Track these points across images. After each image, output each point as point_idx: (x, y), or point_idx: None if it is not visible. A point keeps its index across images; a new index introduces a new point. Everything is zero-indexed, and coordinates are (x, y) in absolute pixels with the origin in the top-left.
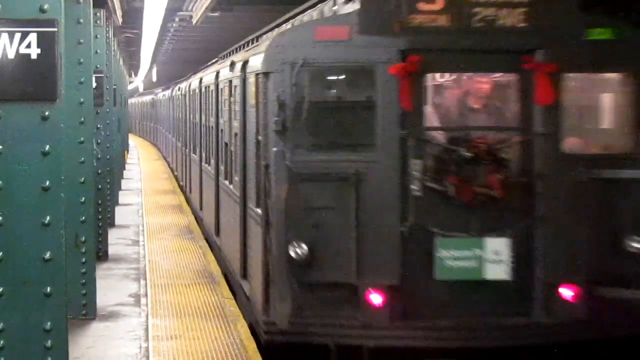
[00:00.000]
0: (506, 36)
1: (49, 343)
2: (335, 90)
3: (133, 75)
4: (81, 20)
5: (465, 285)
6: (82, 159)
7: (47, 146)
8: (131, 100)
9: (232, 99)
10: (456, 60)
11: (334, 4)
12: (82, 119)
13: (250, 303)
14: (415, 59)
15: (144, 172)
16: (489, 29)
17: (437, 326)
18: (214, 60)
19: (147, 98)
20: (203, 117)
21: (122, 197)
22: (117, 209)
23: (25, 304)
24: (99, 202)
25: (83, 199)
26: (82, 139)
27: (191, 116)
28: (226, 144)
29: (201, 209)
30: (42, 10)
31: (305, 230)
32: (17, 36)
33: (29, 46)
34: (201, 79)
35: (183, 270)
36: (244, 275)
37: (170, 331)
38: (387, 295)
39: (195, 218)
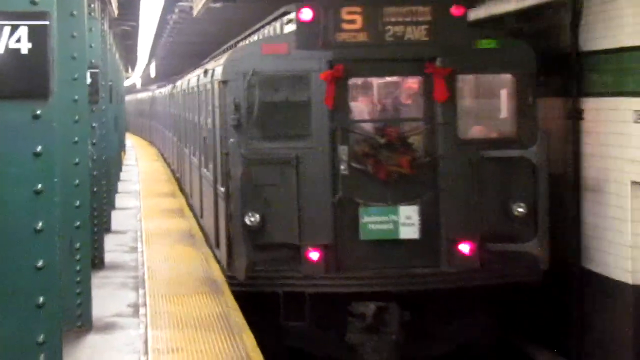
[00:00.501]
0: (412, 48)
1: (42, 357)
2: (278, 94)
3: (130, 71)
4: (74, 13)
5: (384, 244)
6: (77, 160)
7: (39, 147)
8: (128, 97)
9: (206, 100)
10: (373, 67)
11: (280, 26)
12: (76, 118)
13: (220, 265)
14: (339, 67)
15: (142, 173)
16: (399, 42)
17: (362, 276)
18: (211, 57)
19: (145, 95)
20: (190, 114)
21: (119, 201)
22: (114, 214)
23: (16, 315)
24: (95, 206)
25: (78, 202)
26: (76, 138)
27: (184, 114)
28: (204, 138)
29: (191, 196)
30: (32, 2)
31: (257, 203)
32: (7, 30)
33: (19, 40)
34: (189, 80)
35: (185, 278)
36: (217, 244)
37: (171, 343)
38: (322, 252)
39: (198, 224)
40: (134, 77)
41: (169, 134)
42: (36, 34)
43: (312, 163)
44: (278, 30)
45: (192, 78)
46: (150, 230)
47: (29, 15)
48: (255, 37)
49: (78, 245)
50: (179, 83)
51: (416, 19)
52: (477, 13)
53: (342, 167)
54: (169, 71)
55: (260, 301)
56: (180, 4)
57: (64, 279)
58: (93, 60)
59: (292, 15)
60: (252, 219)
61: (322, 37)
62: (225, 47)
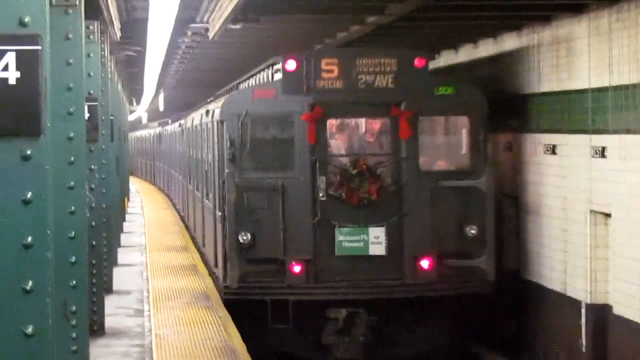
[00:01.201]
0: (380, 93)
1: None
2: (267, 132)
3: (135, 104)
4: (70, 36)
5: (356, 259)
6: (72, 208)
7: (29, 193)
8: (132, 135)
9: (207, 137)
10: (347, 109)
11: (271, 73)
12: (72, 159)
13: (218, 279)
14: (319, 109)
15: (148, 223)
16: (369, 88)
17: (337, 286)
18: (215, 95)
19: (152, 131)
20: (193, 151)
21: (122, 256)
22: (116, 271)
23: None
24: (94, 262)
25: (73, 258)
26: (72, 183)
27: (189, 151)
28: (206, 171)
29: (195, 230)
30: (22, 24)
31: (248, 224)
32: None
33: (5, 68)
34: (193, 119)
35: (199, 348)
36: (216, 264)
37: None
38: (303, 266)
39: (200, 254)
40: (140, 111)
41: (177, 175)
42: (26, 61)
43: (295, 190)
44: (269, 77)
45: (196, 117)
46: (159, 291)
47: (18, 39)
48: (251, 81)
49: (74, 308)
50: (184, 121)
51: (384, 69)
52: (437, 62)
53: (320, 194)
54: (180, 103)
55: (250, 308)
56: (194, 25)
57: (57, 348)
58: (92, 92)
59: (279, 65)
60: (244, 237)
61: (304, 84)
62: (223, 90)
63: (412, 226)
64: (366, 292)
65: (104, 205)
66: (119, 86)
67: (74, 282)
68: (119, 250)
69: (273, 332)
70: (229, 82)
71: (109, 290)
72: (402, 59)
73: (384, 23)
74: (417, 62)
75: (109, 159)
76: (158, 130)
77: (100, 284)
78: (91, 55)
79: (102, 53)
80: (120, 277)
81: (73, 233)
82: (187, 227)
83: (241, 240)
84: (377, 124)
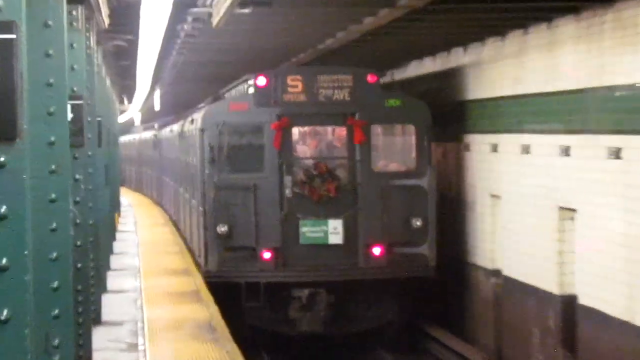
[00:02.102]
0: (338, 105)
1: None
2: (241, 138)
3: (126, 102)
4: (50, 23)
5: (317, 247)
6: (54, 224)
7: (4, 207)
8: (123, 139)
9: (193, 143)
10: (310, 119)
11: (247, 88)
12: (53, 167)
13: (201, 266)
14: (285, 119)
15: (143, 243)
16: (328, 101)
17: (301, 269)
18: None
19: (147, 135)
20: (183, 156)
21: (113, 281)
22: (105, 298)
23: None
24: (79, 287)
25: (56, 283)
26: (53, 195)
27: (179, 156)
28: (192, 174)
29: (185, 230)
30: None
31: (225, 217)
32: None
33: None
34: (182, 124)
35: None
36: (199, 254)
37: None
38: (273, 253)
39: (188, 249)
40: (132, 111)
41: (171, 182)
42: None
43: (265, 189)
44: (245, 91)
45: (186, 124)
46: (156, 321)
47: None
48: (229, 93)
49: (56, 341)
50: (176, 126)
51: (341, 84)
52: (387, 78)
53: (287, 191)
54: (179, 102)
55: (228, 290)
56: (195, 10)
57: None
58: (75, 88)
59: (251, 82)
60: (222, 229)
61: (273, 97)
62: (204, 103)
63: (365, 219)
64: (326, 275)
65: (91, 222)
66: (108, 82)
67: (57, 311)
68: (109, 274)
69: (247, 310)
70: (235, 77)
71: (97, 320)
72: (356, 76)
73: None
74: (370, 78)
75: (96, 167)
76: (153, 133)
77: (87, 313)
78: (74, 45)
79: (88, 43)
80: (110, 306)
81: (55, 254)
82: (183, 239)
83: (219, 232)
84: (335, 131)
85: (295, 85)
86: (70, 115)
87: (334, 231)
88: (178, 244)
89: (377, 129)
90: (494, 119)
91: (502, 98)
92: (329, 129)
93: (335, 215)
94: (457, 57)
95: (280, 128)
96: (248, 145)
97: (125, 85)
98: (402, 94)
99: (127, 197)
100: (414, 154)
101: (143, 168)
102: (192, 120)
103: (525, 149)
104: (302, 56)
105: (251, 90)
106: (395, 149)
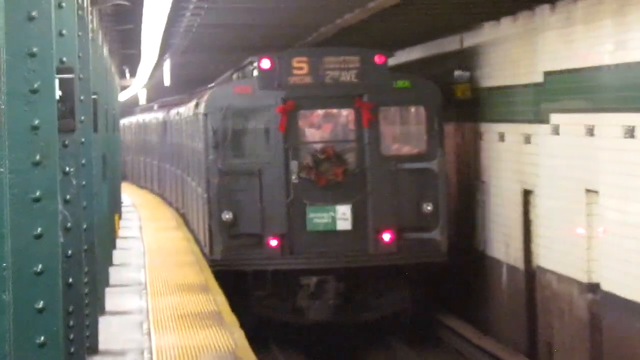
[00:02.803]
0: (345, 87)
1: None
2: (246, 122)
3: (129, 76)
4: None
5: (325, 233)
6: (39, 230)
7: None
8: (126, 122)
9: (198, 127)
10: (316, 102)
11: (252, 70)
12: (38, 157)
13: (206, 254)
14: (290, 103)
15: (150, 251)
16: (335, 83)
17: (308, 257)
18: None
19: (155, 117)
20: (188, 141)
21: (112, 300)
22: (103, 322)
23: None
24: (70, 309)
25: (41, 303)
26: (37, 193)
27: (184, 141)
28: (198, 160)
29: (192, 221)
30: None
31: (230, 203)
32: None
33: None
34: (189, 108)
35: None
36: (205, 242)
37: None
38: (279, 240)
39: (194, 238)
40: (136, 87)
41: (184, 176)
42: None
43: (271, 174)
44: (249, 74)
45: (190, 107)
46: (167, 351)
47: None
48: (234, 76)
49: None
50: (183, 109)
51: (348, 66)
52: (398, 59)
53: (293, 177)
54: (194, 75)
55: (234, 278)
56: None
57: None
58: (65, 59)
59: (255, 64)
60: (227, 216)
61: (277, 80)
62: (209, 86)
63: (374, 204)
64: (334, 262)
65: (85, 226)
66: (105, 51)
67: (42, 338)
68: (108, 291)
69: (254, 299)
70: (260, 46)
71: (93, 349)
72: (364, 57)
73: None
74: (378, 59)
75: (91, 158)
76: (163, 114)
77: (80, 340)
78: (63, 4)
79: (80, 2)
80: (109, 331)
81: (40, 266)
82: (197, 241)
83: (224, 219)
84: (342, 114)
85: (300, 67)
86: (58, 93)
87: (342, 217)
88: (194, 252)
89: (385, 111)
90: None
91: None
92: (336, 111)
93: (343, 201)
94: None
95: (285, 111)
96: (253, 129)
97: (128, 54)
98: (411, 74)
99: (130, 195)
100: (424, 137)
101: (150, 158)
102: (196, 104)
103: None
104: (322, 30)
105: (255, 73)
106: (405, 131)
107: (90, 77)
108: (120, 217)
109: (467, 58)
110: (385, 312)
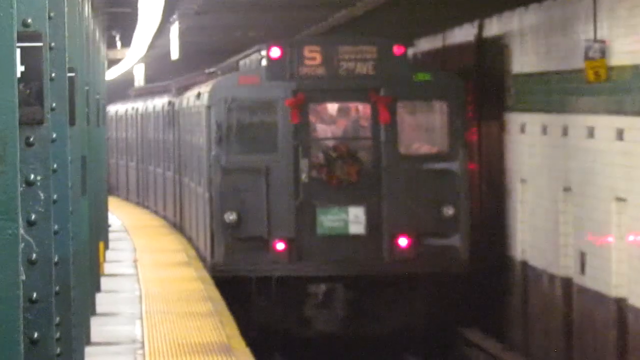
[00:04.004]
0: (361, 80)
1: None
2: (252, 116)
3: (120, 45)
4: None
5: (336, 237)
6: None
7: None
8: (115, 110)
9: (199, 121)
10: (329, 95)
11: (259, 59)
12: None
13: (207, 259)
14: (301, 95)
15: (149, 295)
16: (350, 75)
17: (318, 263)
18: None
19: (156, 103)
20: (188, 136)
21: None
22: None
23: None
24: None
25: None
26: None
27: (183, 136)
28: (198, 156)
29: (191, 228)
30: None
31: (234, 203)
32: None
33: None
34: (188, 99)
35: None
36: (205, 246)
37: None
38: (286, 244)
39: (194, 247)
40: (130, 61)
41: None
42: None
43: (278, 172)
44: (256, 63)
45: (191, 98)
46: None
47: None
48: (241, 62)
49: None
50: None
51: (364, 57)
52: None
53: (302, 176)
54: (212, 46)
55: (236, 285)
56: None
57: None
58: (30, 20)
59: (264, 53)
60: (231, 217)
61: (288, 70)
62: (207, 71)
63: (390, 206)
64: (345, 269)
65: (55, 259)
66: (87, 9)
67: None
68: (88, 351)
69: (257, 308)
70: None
71: None
72: (382, 47)
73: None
74: (396, 50)
75: (66, 162)
76: (168, 100)
77: None
78: None
79: None
80: None
81: None
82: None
83: (227, 220)
84: (357, 109)
85: (312, 57)
86: (20, 69)
87: (355, 220)
88: (210, 299)
89: (404, 106)
90: None
91: None
92: (351, 106)
93: (357, 203)
94: None
95: (295, 105)
96: (259, 123)
97: (119, 15)
98: (432, 67)
99: (121, 215)
100: (446, 135)
101: (149, 162)
102: (198, 95)
103: None
104: (340, 14)
105: (264, 62)
106: (425, 128)
107: (65, 46)
108: (106, 247)
109: None
110: (399, 325)
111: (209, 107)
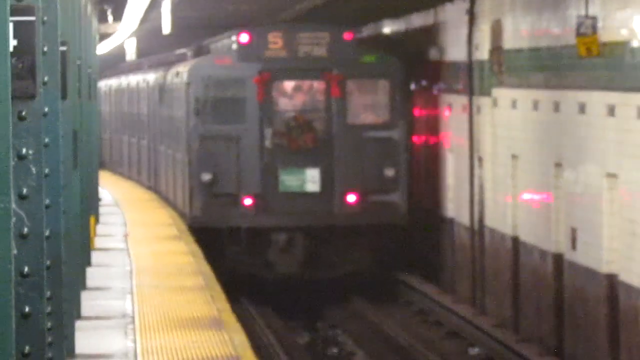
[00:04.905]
0: (317, 61)
1: None
2: (225, 92)
3: (111, 19)
4: None
5: (295, 194)
6: None
7: None
8: (107, 85)
9: (179, 96)
10: (290, 74)
11: (229, 43)
12: None
13: (186, 214)
14: (266, 74)
15: (140, 270)
16: (307, 57)
17: (280, 215)
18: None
19: (147, 78)
20: (169, 109)
21: (84, 339)
22: None
23: None
24: (26, 350)
25: None
26: None
27: (161, 110)
28: (177, 127)
29: (168, 191)
30: None
31: (209, 165)
32: None
33: None
34: (172, 74)
35: None
36: (183, 203)
37: None
38: (253, 199)
39: (172, 205)
40: (122, 35)
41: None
42: None
43: (247, 139)
44: (227, 46)
45: (171, 76)
46: None
47: None
48: (216, 44)
49: None
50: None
51: (319, 41)
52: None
53: (267, 142)
54: (205, 19)
55: (212, 235)
56: None
57: None
58: None
59: (234, 38)
60: (207, 177)
61: (255, 53)
62: (176, 52)
63: (340, 168)
64: (303, 221)
65: (47, 233)
66: None
67: None
68: (79, 325)
69: (228, 255)
70: None
71: None
72: (333, 33)
73: None
74: (346, 36)
75: (57, 136)
76: (160, 74)
77: None
78: None
79: None
80: None
81: None
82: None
83: (203, 180)
84: (313, 86)
85: (275, 42)
86: (12, 43)
87: (311, 180)
88: (201, 273)
89: (352, 84)
90: None
91: None
92: (308, 83)
93: (313, 165)
94: None
95: (261, 82)
96: (231, 98)
97: None
98: (377, 50)
99: (113, 189)
100: (387, 108)
101: (140, 136)
102: (177, 74)
103: None
104: (305, 3)
105: (234, 46)
106: (370, 102)
107: (57, 20)
108: (97, 221)
109: None
110: (348, 270)
111: (188, 84)
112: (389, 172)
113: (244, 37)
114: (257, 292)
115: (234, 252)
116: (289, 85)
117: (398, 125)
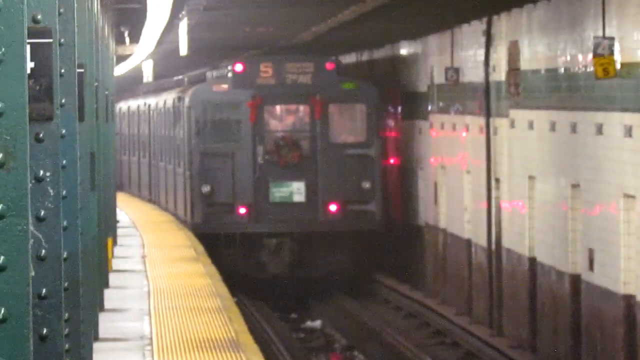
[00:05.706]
0: (302, 87)
1: None
2: (222, 114)
3: (128, 41)
4: None
5: (284, 204)
6: (0, 259)
7: None
8: (124, 107)
9: (181, 118)
10: (279, 99)
11: (226, 72)
12: (0, 157)
13: (188, 222)
14: (258, 98)
15: (157, 291)
16: (294, 84)
17: (271, 222)
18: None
19: (166, 99)
20: (166, 131)
21: (101, 359)
22: None
23: None
24: None
25: None
26: None
27: (161, 131)
28: (178, 146)
29: (169, 202)
30: None
31: (208, 179)
32: None
33: None
34: (169, 100)
35: None
36: (185, 212)
37: None
38: (247, 208)
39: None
40: (138, 57)
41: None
42: None
43: (241, 156)
44: (224, 74)
45: (174, 100)
46: None
47: None
48: (212, 73)
49: None
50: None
51: (305, 70)
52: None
53: (259, 158)
54: (222, 42)
55: (211, 240)
56: None
57: None
58: (40, 17)
59: (230, 68)
60: (206, 189)
61: (248, 81)
62: (175, 78)
63: (323, 181)
64: (290, 227)
65: (64, 255)
66: (97, 5)
67: None
68: (97, 347)
69: (225, 256)
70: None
71: None
72: (317, 63)
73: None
74: (328, 66)
75: (75, 158)
76: (177, 95)
77: None
78: None
79: None
80: None
81: (2, 312)
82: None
83: (203, 191)
84: (299, 109)
85: (266, 70)
86: (30, 65)
87: (298, 191)
88: (219, 295)
89: (334, 107)
90: None
91: None
92: (295, 107)
93: (299, 178)
94: None
95: (254, 106)
96: (227, 120)
97: (128, 10)
98: (355, 79)
99: (130, 211)
100: (364, 128)
101: (159, 158)
102: (179, 98)
103: None
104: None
105: (229, 75)
106: (349, 124)
107: (75, 42)
108: (115, 243)
109: None
110: (330, 270)
111: (189, 107)
112: (366, 185)
113: (239, 67)
114: (251, 290)
115: (230, 255)
116: (278, 108)
117: (374, 143)
